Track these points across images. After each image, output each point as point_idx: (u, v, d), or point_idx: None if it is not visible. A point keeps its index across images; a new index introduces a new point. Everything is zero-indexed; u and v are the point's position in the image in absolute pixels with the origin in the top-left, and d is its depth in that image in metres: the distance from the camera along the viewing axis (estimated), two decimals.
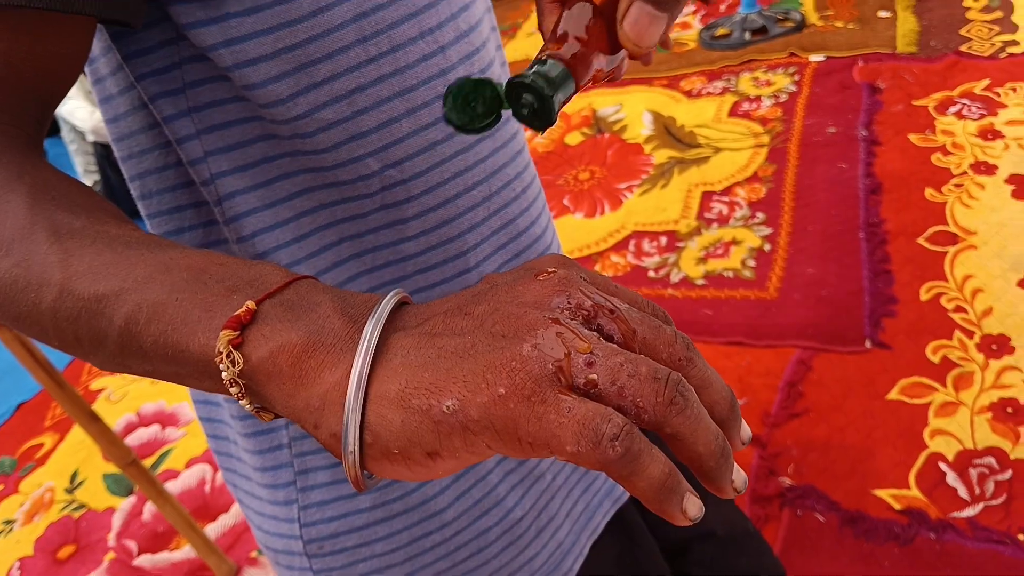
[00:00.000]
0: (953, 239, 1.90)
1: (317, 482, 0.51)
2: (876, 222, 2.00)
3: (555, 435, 0.26)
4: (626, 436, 0.25)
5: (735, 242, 2.09)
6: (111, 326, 0.31)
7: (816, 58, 2.87)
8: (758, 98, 2.70)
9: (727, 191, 2.28)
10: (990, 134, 2.22)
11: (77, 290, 0.32)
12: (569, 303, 0.28)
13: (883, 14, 3.11)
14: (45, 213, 0.33)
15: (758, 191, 2.25)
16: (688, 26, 3.49)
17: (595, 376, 0.26)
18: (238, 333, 0.29)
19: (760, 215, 2.16)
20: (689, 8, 3.70)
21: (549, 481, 0.57)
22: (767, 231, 2.09)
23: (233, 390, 0.30)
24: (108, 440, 1.29)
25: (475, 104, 0.34)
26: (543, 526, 0.57)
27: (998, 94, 2.39)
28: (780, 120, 2.53)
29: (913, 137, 2.29)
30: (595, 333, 0.28)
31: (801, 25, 3.17)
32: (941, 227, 1.94)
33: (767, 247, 2.04)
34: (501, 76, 0.52)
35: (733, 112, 2.66)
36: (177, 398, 2.17)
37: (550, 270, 0.30)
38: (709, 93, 2.82)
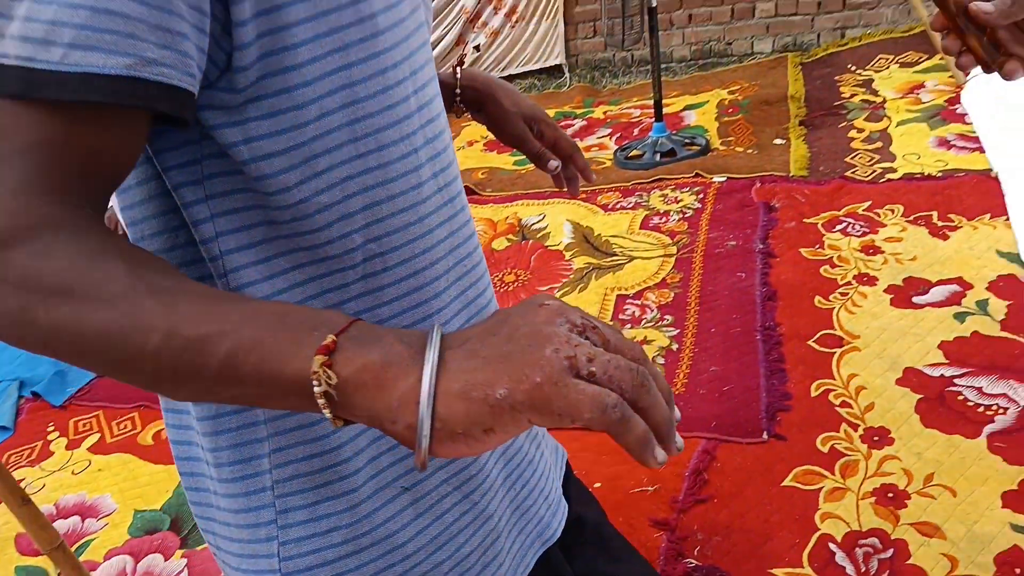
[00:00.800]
0: (839, 342, 2.09)
1: (296, 520, 0.57)
2: (771, 326, 2.19)
3: (576, 407, 0.38)
4: (621, 406, 0.39)
5: (646, 341, 2.24)
6: (212, 360, 0.41)
7: (718, 179, 3.15)
8: (667, 213, 2.93)
9: (639, 295, 2.45)
10: (871, 249, 2.48)
11: (183, 333, 0.41)
12: (567, 322, 0.41)
13: (778, 141, 3.45)
14: (140, 275, 0.42)
15: (666, 296, 2.43)
16: (605, 147, 3.77)
17: (594, 369, 0.39)
18: (328, 357, 0.40)
19: (668, 317, 2.33)
20: (605, 131, 4.00)
21: (495, 523, 0.65)
22: (674, 332, 2.25)
23: (321, 401, 0.40)
24: (38, 524, 1.29)
25: None
26: (488, 562, 0.65)
27: (878, 214, 2.67)
28: (686, 233, 2.75)
29: (804, 251, 2.52)
30: (587, 341, 0.41)
31: (705, 149, 3.48)
32: (829, 331, 2.14)
33: (675, 346, 2.19)
34: (456, 171, 0.63)
35: (644, 225, 2.88)
36: (99, 489, 2.13)
37: (546, 303, 0.43)
38: (623, 207, 3.05)
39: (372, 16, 0.50)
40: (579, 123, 4.26)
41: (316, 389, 0.40)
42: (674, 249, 2.67)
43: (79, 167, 0.44)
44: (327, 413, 0.41)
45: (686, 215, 2.88)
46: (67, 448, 2.33)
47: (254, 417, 0.55)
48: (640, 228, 2.86)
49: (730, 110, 3.95)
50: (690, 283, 2.47)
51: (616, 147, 3.72)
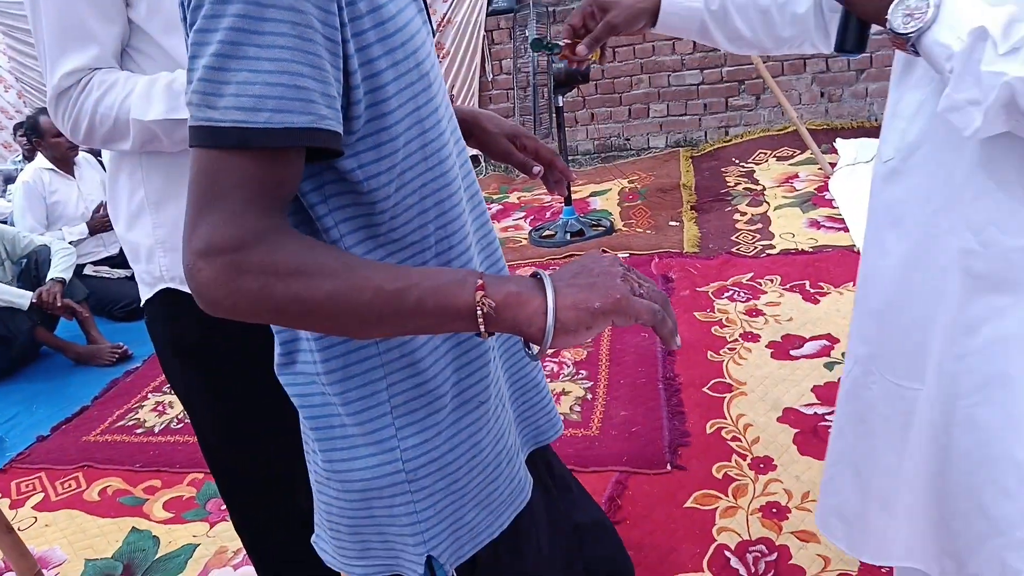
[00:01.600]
0: (729, 388, 2.40)
1: (410, 433, 0.78)
2: (671, 376, 2.48)
3: (639, 312, 0.66)
4: (661, 311, 0.68)
5: (564, 392, 2.49)
6: (407, 303, 0.65)
7: (623, 255, 3.51)
8: None
9: (556, 353, 2.72)
10: (754, 312, 2.84)
11: (387, 288, 0.64)
12: (620, 265, 0.69)
13: (673, 223, 3.86)
14: (342, 256, 0.66)
15: (580, 354, 2.70)
16: (520, 228, 4.10)
17: (642, 292, 0.68)
18: (483, 292, 0.64)
19: (583, 372, 2.59)
20: (520, 214, 4.35)
21: (504, 424, 0.87)
22: (588, 384, 2.52)
23: (480, 320, 0.64)
24: (18, 552, 1.38)
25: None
26: (509, 448, 0.87)
27: (759, 283, 3.05)
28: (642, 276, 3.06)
29: (698, 314, 2.86)
30: (633, 276, 0.69)
31: (610, 230, 3.86)
32: (720, 379, 2.45)
33: (589, 396, 2.45)
34: (471, 166, 0.87)
35: None
36: (48, 542, 2.17)
37: (604, 254, 0.72)
38: None
39: (427, 73, 0.74)
40: (496, 207, 4.60)
41: (479, 312, 0.64)
42: None
43: (275, 190, 0.65)
44: (482, 327, 0.65)
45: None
46: (11, 507, 2.35)
47: (373, 365, 0.76)
48: None
49: (631, 196, 4.38)
50: (601, 343, 2.76)
51: (531, 228, 4.06)
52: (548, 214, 4.26)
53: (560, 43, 1.19)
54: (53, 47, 1.13)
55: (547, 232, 3.89)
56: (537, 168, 1.03)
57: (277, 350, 0.82)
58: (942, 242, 0.88)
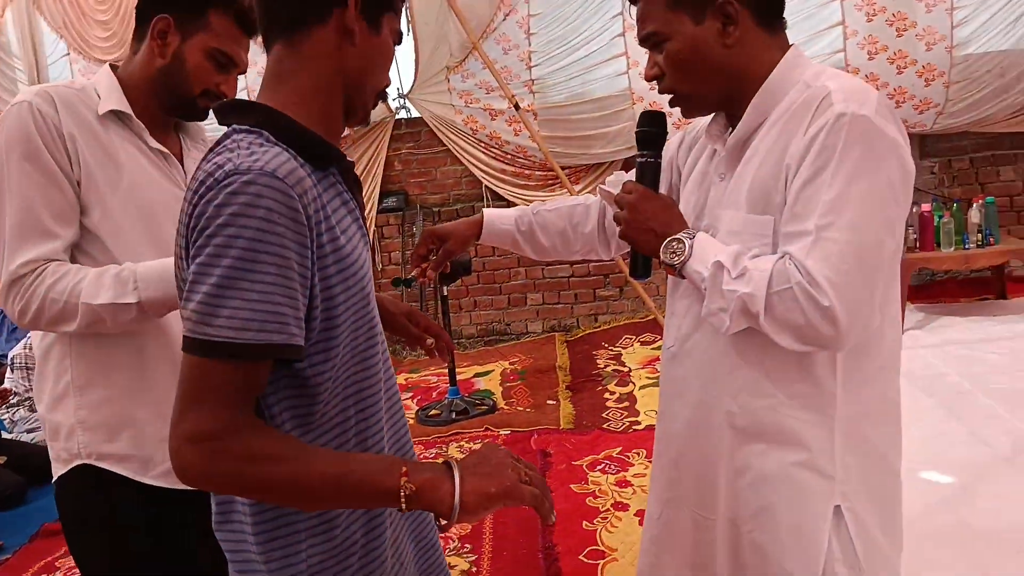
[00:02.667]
0: (603, 555, 2.61)
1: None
2: (550, 546, 2.67)
3: (524, 496, 0.88)
4: (541, 494, 0.90)
5: (451, 567, 2.61)
6: (348, 485, 0.84)
7: (504, 432, 3.75)
8: None
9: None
10: (624, 483, 3.11)
11: (331, 472, 0.84)
12: (510, 457, 0.91)
13: (551, 402, 4.17)
14: (299, 444, 0.87)
15: (466, 528, 2.86)
16: (408, 408, 4.30)
17: (527, 479, 0.89)
18: (407, 478, 0.84)
19: (468, 546, 2.74)
20: (407, 395, 4.56)
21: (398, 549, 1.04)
22: (473, 557, 2.66)
23: (402, 500, 0.83)
24: None
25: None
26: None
27: (628, 457, 3.35)
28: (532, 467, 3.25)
29: (574, 486, 3.10)
30: (521, 465, 0.91)
31: (493, 408, 4.12)
32: (594, 547, 2.66)
33: (473, 569, 2.59)
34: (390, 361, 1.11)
35: None
36: None
37: (499, 448, 0.93)
38: (425, 457, 3.52)
39: (366, 290, 0.97)
40: None
41: (403, 494, 0.84)
42: None
43: (249, 391, 0.86)
44: (403, 506, 0.85)
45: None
46: None
47: (297, 530, 0.93)
48: None
49: (512, 377, 4.69)
50: (485, 517, 2.93)
51: (417, 408, 4.26)
52: (434, 394, 4.49)
53: (413, 276, 1.50)
54: (13, 239, 1.28)
55: (433, 411, 4.11)
56: (429, 340, 1.31)
57: (215, 509, 0.99)
58: (713, 407, 1.19)
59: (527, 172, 5.41)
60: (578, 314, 5.58)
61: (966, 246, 4.43)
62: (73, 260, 1.33)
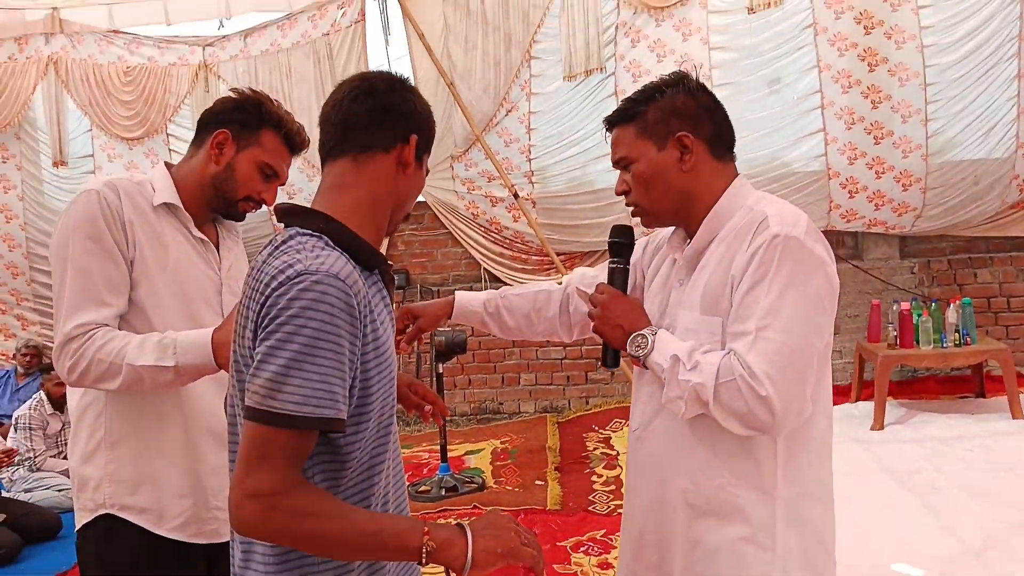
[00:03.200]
0: None
1: None
2: None
3: (524, 557, 1.05)
4: (538, 557, 1.07)
5: None
6: (379, 542, 1.00)
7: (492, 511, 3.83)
8: None
9: None
10: (605, 564, 3.19)
11: (368, 530, 1.00)
12: (513, 523, 1.08)
13: (539, 482, 4.26)
14: (340, 502, 1.02)
15: None
16: None
17: (526, 542, 1.06)
18: (429, 537, 1.00)
19: None
20: None
21: None
22: None
23: (424, 557, 0.99)
24: None
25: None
26: None
27: (611, 539, 3.43)
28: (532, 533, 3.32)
29: (556, 566, 3.18)
30: (522, 530, 1.07)
31: (482, 487, 4.20)
32: None
33: None
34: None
35: None
36: None
37: (502, 514, 1.10)
38: None
39: (392, 370, 1.12)
40: None
41: (424, 551, 0.99)
42: None
43: (302, 455, 1.00)
44: (424, 560, 0.99)
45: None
46: None
47: (311, 573, 1.05)
48: None
49: (502, 456, 4.79)
50: None
51: (408, 484, 4.34)
52: (425, 470, 4.57)
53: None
54: (71, 305, 1.46)
55: (423, 488, 4.19)
56: (428, 407, 1.48)
57: (239, 556, 1.11)
58: (671, 485, 1.34)
59: (524, 256, 5.64)
60: (570, 395, 5.71)
61: (944, 344, 4.60)
62: (120, 328, 1.50)
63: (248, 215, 1.62)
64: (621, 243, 1.44)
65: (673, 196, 1.34)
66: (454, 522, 1.08)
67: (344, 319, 1.01)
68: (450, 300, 1.68)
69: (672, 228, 1.42)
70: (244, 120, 1.55)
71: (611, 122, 1.39)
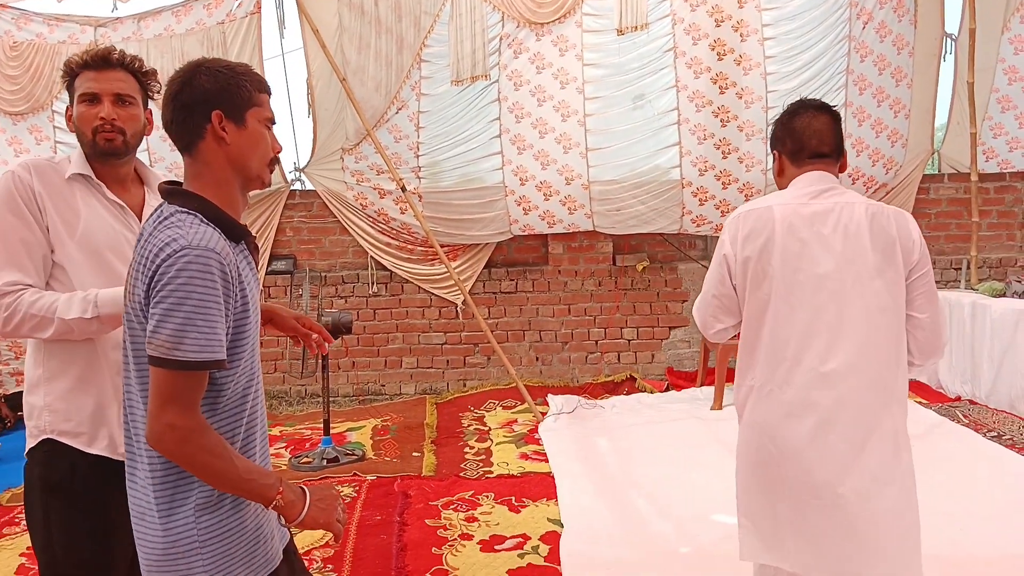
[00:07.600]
0: (447, 574, 3.07)
1: (204, 515, 1.36)
2: (402, 566, 3.11)
3: (332, 530, 1.47)
4: (341, 531, 1.50)
5: None
6: (247, 486, 1.35)
7: (371, 477, 4.17)
8: None
9: (306, 553, 3.24)
10: (471, 519, 3.59)
11: (243, 476, 1.33)
12: (339, 499, 1.50)
13: (416, 454, 4.62)
14: (228, 448, 1.35)
15: (328, 552, 3.25)
16: (280, 456, 4.64)
17: (340, 520, 1.49)
18: (281, 495, 1.38)
19: (330, 566, 3.14)
20: (281, 444, 4.89)
21: (263, 519, 1.46)
22: (335, 575, 3.06)
23: (273, 506, 1.37)
24: None
25: None
26: (267, 533, 1.46)
27: (478, 499, 3.83)
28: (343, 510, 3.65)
29: (428, 521, 3.55)
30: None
31: (362, 458, 4.52)
32: (439, 567, 3.11)
33: None
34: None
35: None
36: None
37: (335, 490, 1.52)
38: None
39: (256, 322, 1.44)
40: None
41: (275, 503, 1.36)
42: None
43: (202, 389, 1.32)
44: (273, 508, 1.37)
45: (345, 501, 3.79)
46: None
47: (189, 487, 1.36)
48: None
49: (382, 432, 5.11)
50: (346, 544, 3.33)
51: (290, 456, 4.61)
52: (307, 445, 4.84)
53: None
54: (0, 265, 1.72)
55: (305, 459, 4.47)
56: (315, 336, 1.81)
57: (127, 469, 1.43)
58: None
59: (410, 247, 5.98)
60: (448, 379, 6.09)
61: None
62: (47, 287, 1.78)
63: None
64: None
65: None
66: (302, 485, 1.43)
67: (220, 283, 1.30)
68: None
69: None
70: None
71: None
